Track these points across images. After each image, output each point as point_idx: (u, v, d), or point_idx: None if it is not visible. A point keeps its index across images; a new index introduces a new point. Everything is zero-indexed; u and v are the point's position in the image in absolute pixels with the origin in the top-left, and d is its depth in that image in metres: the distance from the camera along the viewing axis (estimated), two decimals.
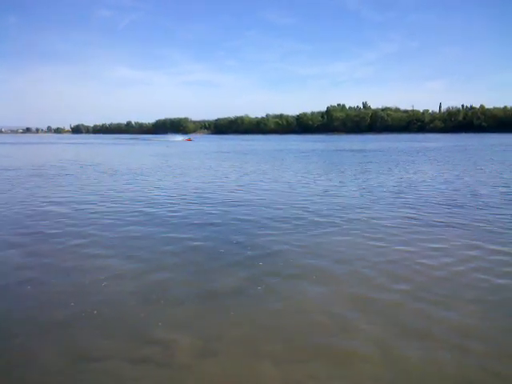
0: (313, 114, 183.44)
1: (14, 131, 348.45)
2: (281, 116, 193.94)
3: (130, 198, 13.35)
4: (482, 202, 12.12)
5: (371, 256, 7.11)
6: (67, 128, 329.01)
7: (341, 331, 4.70)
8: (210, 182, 18.00)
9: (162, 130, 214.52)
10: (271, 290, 5.80)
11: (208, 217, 10.44)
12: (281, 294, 5.69)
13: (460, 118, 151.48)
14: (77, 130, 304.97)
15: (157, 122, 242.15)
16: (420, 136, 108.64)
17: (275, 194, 14.08)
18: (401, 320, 4.93)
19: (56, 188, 15.92)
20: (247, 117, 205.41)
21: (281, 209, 11.36)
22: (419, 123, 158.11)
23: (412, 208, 11.22)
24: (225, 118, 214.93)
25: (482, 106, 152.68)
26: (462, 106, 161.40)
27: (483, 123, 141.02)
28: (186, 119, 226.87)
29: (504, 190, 14.45)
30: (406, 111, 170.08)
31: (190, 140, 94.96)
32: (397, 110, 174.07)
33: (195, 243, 8.06)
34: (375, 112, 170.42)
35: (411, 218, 10.02)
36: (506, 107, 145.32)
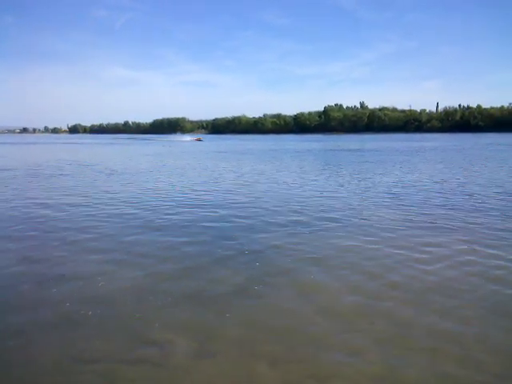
0: (310, 113, 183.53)
1: (11, 131, 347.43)
2: (278, 116, 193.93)
3: (125, 199, 13.32)
4: (477, 202, 12.14)
5: (367, 257, 7.12)
6: (64, 128, 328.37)
7: (338, 331, 4.72)
8: (206, 182, 17.99)
9: (159, 129, 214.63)
10: (268, 291, 5.80)
11: (205, 217, 10.43)
12: (278, 295, 5.69)
13: (457, 117, 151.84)
14: (74, 130, 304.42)
15: (154, 121, 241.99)
16: (417, 136, 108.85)
17: (272, 195, 14.08)
18: (398, 320, 4.94)
19: (51, 188, 15.87)
20: (245, 117, 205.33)
21: (278, 209, 11.36)
22: (416, 123, 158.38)
23: (407, 209, 11.23)
24: (222, 118, 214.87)
25: (478, 106, 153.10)
26: (459, 105, 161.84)
27: (480, 123, 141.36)
28: (183, 119, 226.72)
29: (498, 190, 14.50)
30: (403, 111, 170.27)
31: (200, 140, 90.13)
32: (394, 109, 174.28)
33: (191, 243, 8.05)
34: (372, 112, 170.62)
35: (406, 219, 10.03)
36: (502, 107, 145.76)
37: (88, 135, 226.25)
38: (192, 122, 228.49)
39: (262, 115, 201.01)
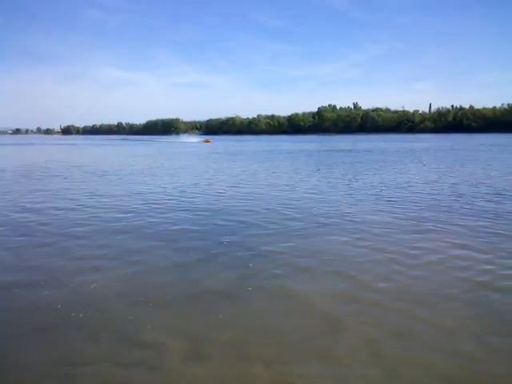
0: (304, 114, 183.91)
1: (3, 132, 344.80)
2: (272, 117, 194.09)
3: (117, 201, 13.30)
4: (466, 203, 12.21)
5: (358, 260, 7.12)
6: (57, 129, 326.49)
7: (331, 331, 4.73)
8: (199, 183, 17.99)
9: (153, 130, 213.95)
10: (261, 292, 5.81)
11: (198, 218, 10.43)
12: (271, 295, 5.70)
13: (450, 118, 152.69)
14: (67, 130, 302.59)
15: (148, 122, 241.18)
16: (410, 136, 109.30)
17: (264, 195, 14.11)
18: (389, 320, 4.98)
19: (43, 190, 15.82)
20: (238, 117, 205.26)
21: (270, 210, 11.39)
22: (409, 123, 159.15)
23: (398, 210, 11.27)
24: (216, 119, 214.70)
25: (471, 107, 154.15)
26: (452, 106, 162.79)
27: (473, 123, 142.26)
28: (177, 120, 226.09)
29: (487, 190, 14.60)
30: (396, 112, 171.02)
31: (209, 142, 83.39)
32: (387, 110, 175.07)
33: (185, 245, 8.04)
34: (366, 112, 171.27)
35: (397, 220, 10.07)
36: (495, 107, 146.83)
37: (81, 136, 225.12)
38: (186, 122, 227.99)
39: (255, 116, 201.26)
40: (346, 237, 8.49)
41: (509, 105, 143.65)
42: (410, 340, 4.51)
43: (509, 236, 8.37)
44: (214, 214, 10.93)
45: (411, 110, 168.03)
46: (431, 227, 9.22)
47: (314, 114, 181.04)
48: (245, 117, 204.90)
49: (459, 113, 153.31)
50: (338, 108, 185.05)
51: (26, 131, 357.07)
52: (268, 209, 11.60)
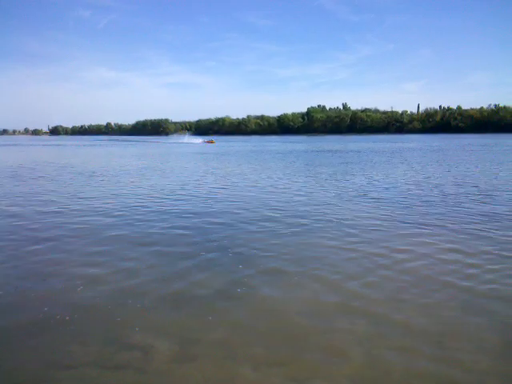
0: (293, 115, 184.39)
1: None
2: (262, 117, 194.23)
3: (105, 202, 13.24)
4: (452, 202, 12.37)
5: (346, 258, 7.20)
6: (45, 129, 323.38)
7: (321, 333, 4.75)
8: (188, 184, 17.95)
9: (142, 131, 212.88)
10: (251, 293, 5.81)
11: (187, 220, 10.40)
12: (260, 297, 5.71)
13: (438, 118, 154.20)
14: (55, 131, 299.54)
15: (137, 123, 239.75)
16: (398, 137, 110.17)
17: (254, 197, 14.12)
18: (378, 319, 5.01)
19: (31, 191, 15.68)
20: (228, 118, 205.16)
21: (260, 211, 11.41)
22: (398, 124, 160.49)
23: (385, 209, 11.40)
24: (206, 120, 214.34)
25: (459, 107, 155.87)
26: (440, 106, 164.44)
27: (460, 124, 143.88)
28: (166, 120, 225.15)
29: (473, 190, 14.80)
30: (385, 112, 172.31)
31: (212, 142, 78.55)
32: (376, 111, 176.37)
33: (173, 247, 8.02)
34: (355, 113, 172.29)
35: (384, 219, 10.19)
36: (482, 108, 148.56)
37: (69, 137, 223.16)
38: (175, 123, 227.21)
39: (245, 116, 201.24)
40: (335, 238, 8.52)
41: (496, 105, 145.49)
42: (401, 341, 4.54)
43: (495, 237, 8.45)
44: (203, 216, 10.91)
45: (400, 111, 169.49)
46: (417, 228, 9.29)
47: (303, 115, 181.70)
48: (234, 117, 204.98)
49: (447, 113, 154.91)
50: (327, 108, 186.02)
51: (14, 132, 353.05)
52: (257, 210, 11.61)
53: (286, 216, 10.72)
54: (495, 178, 18.59)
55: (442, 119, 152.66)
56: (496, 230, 8.99)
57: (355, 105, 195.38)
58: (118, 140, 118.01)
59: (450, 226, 9.43)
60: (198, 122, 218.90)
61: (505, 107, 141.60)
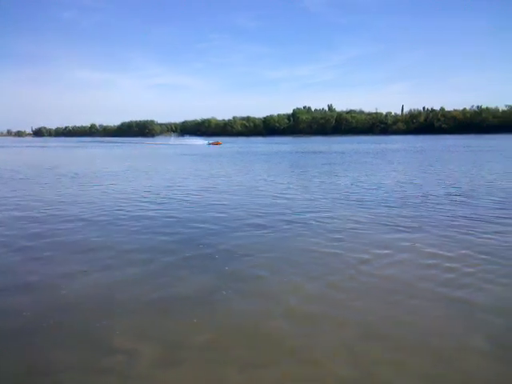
0: (279, 116, 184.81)
1: None
2: (248, 118, 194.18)
3: (90, 204, 13.12)
4: (433, 203, 12.50)
5: (331, 258, 7.26)
6: (28, 131, 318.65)
7: (307, 334, 4.76)
8: (173, 186, 17.84)
9: (127, 132, 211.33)
10: (236, 295, 5.81)
11: (170, 223, 10.32)
12: (246, 299, 5.70)
13: (421, 119, 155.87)
14: (38, 133, 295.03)
15: (122, 124, 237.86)
16: (383, 138, 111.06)
17: (238, 198, 14.12)
18: (365, 321, 5.04)
19: (14, 193, 15.49)
20: (214, 119, 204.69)
21: (244, 212, 11.42)
22: (382, 125, 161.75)
23: (367, 211, 11.49)
24: (192, 121, 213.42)
25: (442, 109, 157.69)
26: (424, 108, 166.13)
27: (443, 125, 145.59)
28: (152, 122, 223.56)
29: (454, 190, 15.04)
30: (369, 114, 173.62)
31: (219, 144, 72.52)
32: (361, 112, 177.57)
33: (157, 249, 7.96)
34: (340, 114, 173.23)
35: (365, 221, 10.29)
36: (465, 109, 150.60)
37: (53, 138, 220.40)
38: (161, 124, 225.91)
39: (231, 118, 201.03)
40: (318, 238, 8.58)
41: (478, 107, 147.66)
42: (387, 342, 4.59)
43: (475, 239, 8.54)
44: (188, 217, 10.86)
45: (384, 112, 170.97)
46: (399, 230, 9.35)
47: (289, 116, 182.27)
48: (220, 118, 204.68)
49: (430, 114, 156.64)
50: (312, 110, 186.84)
51: None
52: (242, 211, 11.62)
53: (270, 218, 10.73)
54: (476, 179, 18.84)
55: (425, 120, 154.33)
56: (476, 231, 9.07)
57: (340, 106, 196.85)
58: (102, 142, 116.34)
59: (431, 228, 9.47)
60: (184, 123, 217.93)
61: (487, 108, 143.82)
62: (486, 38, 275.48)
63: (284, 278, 6.46)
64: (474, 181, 17.92)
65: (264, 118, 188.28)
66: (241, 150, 56.00)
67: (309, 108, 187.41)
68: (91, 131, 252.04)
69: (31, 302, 5.65)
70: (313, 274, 6.55)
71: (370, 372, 4.05)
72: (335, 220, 10.32)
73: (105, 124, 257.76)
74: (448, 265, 6.88)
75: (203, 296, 5.80)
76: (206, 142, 77.46)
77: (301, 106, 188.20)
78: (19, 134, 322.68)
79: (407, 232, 9.10)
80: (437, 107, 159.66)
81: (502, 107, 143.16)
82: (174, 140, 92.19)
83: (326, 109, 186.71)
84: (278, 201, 13.45)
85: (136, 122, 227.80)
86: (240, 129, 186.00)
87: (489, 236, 8.59)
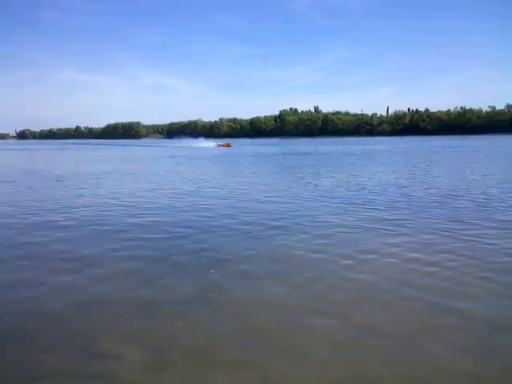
0: (266, 118, 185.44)
1: None
2: (234, 120, 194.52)
3: (75, 206, 12.97)
4: (416, 203, 12.68)
5: (316, 261, 7.29)
6: (12, 133, 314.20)
7: (293, 335, 4.78)
8: (157, 188, 17.75)
9: (113, 134, 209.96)
10: (223, 297, 5.80)
11: (156, 225, 10.26)
12: (232, 301, 5.71)
13: (406, 121, 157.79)
14: (22, 135, 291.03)
15: (107, 126, 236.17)
16: (368, 139, 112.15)
17: (224, 200, 14.10)
18: (348, 321, 5.09)
19: None
20: (201, 121, 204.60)
21: (230, 215, 11.39)
22: (368, 126, 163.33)
23: (351, 211, 11.60)
24: (178, 123, 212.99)
25: (426, 110, 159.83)
26: (408, 109, 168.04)
27: (428, 126, 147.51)
28: (138, 123, 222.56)
29: (437, 191, 15.26)
30: (355, 115, 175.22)
31: (228, 146, 71.87)
32: (347, 113, 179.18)
33: (142, 253, 7.90)
34: (326, 116, 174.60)
35: (350, 221, 10.38)
36: (449, 110, 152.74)
37: (37, 141, 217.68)
38: (147, 126, 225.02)
39: (218, 119, 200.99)
40: (305, 241, 8.62)
41: (462, 108, 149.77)
42: (377, 341, 4.63)
43: (458, 238, 8.66)
44: (173, 221, 10.79)
45: (370, 114, 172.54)
46: (383, 230, 9.45)
47: (275, 118, 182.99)
48: (207, 120, 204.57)
49: (415, 116, 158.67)
50: (299, 111, 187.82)
51: None
52: (228, 214, 11.61)
53: (255, 219, 10.75)
54: (459, 180, 19.08)
55: (410, 121, 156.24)
56: (458, 230, 9.20)
57: (327, 108, 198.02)
58: (89, 143, 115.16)
59: (415, 230, 9.51)
60: (170, 124, 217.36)
61: (471, 109, 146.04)
62: (470, 40, 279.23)
63: (269, 280, 6.47)
64: (456, 182, 18.16)
65: (251, 119, 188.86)
66: (227, 151, 55.89)
67: (295, 110, 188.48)
68: (76, 133, 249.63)
69: (11, 307, 5.58)
70: (297, 278, 6.57)
71: (357, 371, 4.09)
72: (319, 223, 10.33)
73: (90, 126, 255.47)
74: (431, 268, 6.90)
75: (189, 299, 5.79)
76: (215, 143, 77.34)
77: (287, 107, 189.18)
78: (3, 136, 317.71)
79: (391, 235, 9.15)
80: (422, 108, 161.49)
81: (485, 108, 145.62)
82: (187, 142, 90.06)
83: (313, 110, 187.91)
84: (264, 203, 13.45)
85: (122, 123, 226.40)
86: (227, 130, 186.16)
87: (471, 238, 8.66)
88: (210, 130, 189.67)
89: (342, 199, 13.84)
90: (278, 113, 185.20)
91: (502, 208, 11.74)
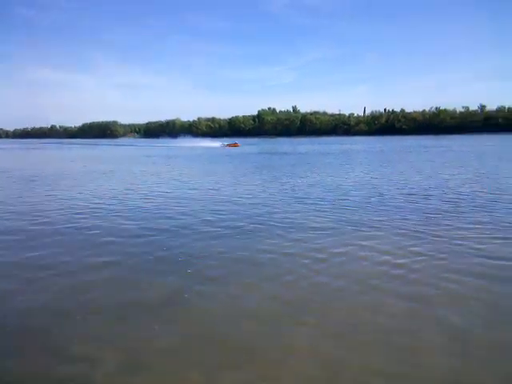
0: (244, 117, 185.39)
1: None
2: (213, 119, 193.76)
3: (50, 207, 12.83)
4: (387, 203, 12.95)
5: (288, 260, 7.43)
6: None
7: (268, 335, 4.84)
8: (134, 189, 17.63)
9: (89, 133, 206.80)
10: (198, 298, 5.84)
11: (129, 227, 10.21)
12: (208, 301, 5.75)
13: (383, 121, 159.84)
14: None
15: (83, 125, 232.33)
16: (346, 138, 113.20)
17: (199, 201, 14.08)
18: (325, 321, 5.19)
19: None
20: (179, 120, 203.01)
21: (207, 216, 11.42)
22: (345, 126, 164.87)
23: (324, 211, 11.76)
24: (155, 122, 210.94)
25: (402, 110, 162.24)
26: (385, 109, 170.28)
27: (404, 126, 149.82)
28: (114, 123, 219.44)
29: (406, 191, 15.58)
30: (332, 115, 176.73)
31: (236, 145, 68.69)
32: (325, 113, 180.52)
33: (116, 253, 7.87)
34: (304, 116, 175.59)
35: (322, 221, 10.54)
36: (424, 111, 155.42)
37: (10, 140, 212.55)
38: (124, 125, 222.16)
39: (196, 119, 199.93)
40: (277, 240, 8.76)
41: (437, 108, 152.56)
42: (350, 340, 4.75)
43: (427, 237, 8.90)
44: (145, 222, 10.75)
45: (347, 114, 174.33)
46: (356, 229, 9.66)
47: (254, 117, 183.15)
48: (185, 119, 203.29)
49: (391, 116, 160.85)
50: (277, 111, 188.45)
51: None
52: (203, 214, 11.64)
53: (230, 220, 10.80)
54: (429, 179, 19.51)
55: (386, 121, 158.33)
56: (428, 231, 9.42)
57: (305, 107, 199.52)
58: (63, 143, 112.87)
59: (386, 228, 9.76)
60: (148, 124, 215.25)
61: (445, 110, 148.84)
62: (446, 41, 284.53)
63: (243, 279, 6.55)
64: (428, 182, 18.49)
65: (229, 119, 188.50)
66: (205, 151, 55.65)
67: (274, 109, 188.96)
68: (51, 132, 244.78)
69: None
70: (271, 276, 6.67)
71: (334, 371, 4.16)
72: (292, 224, 10.43)
73: (65, 125, 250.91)
74: (399, 271, 7.05)
75: (165, 300, 5.81)
76: (221, 143, 73.40)
77: (266, 107, 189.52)
78: None
79: (363, 232, 9.36)
80: (398, 108, 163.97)
81: (459, 109, 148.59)
82: (190, 142, 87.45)
83: (291, 110, 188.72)
84: (239, 203, 13.53)
85: (98, 122, 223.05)
86: (205, 130, 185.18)
87: (438, 234, 8.99)
88: (189, 130, 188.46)
89: (317, 200, 14.00)
90: (256, 112, 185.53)
91: (471, 207, 12.07)
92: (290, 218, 11.01)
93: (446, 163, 28.46)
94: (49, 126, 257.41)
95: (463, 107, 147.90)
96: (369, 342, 4.70)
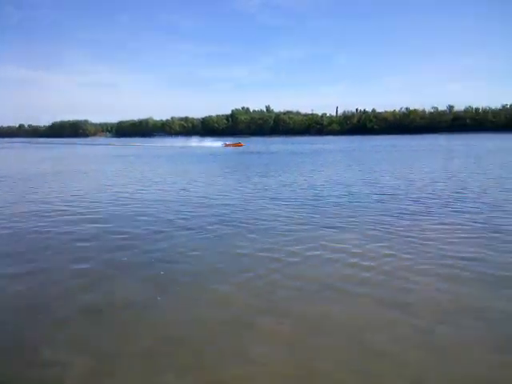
0: (218, 117, 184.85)
1: None
2: (186, 119, 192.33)
3: (15, 209, 12.58)
4: (357, 202, 13.25)
5: (261, 260, 7.53)
6: None
7: (242, 335, 4.90)
8: (102, 189, 17.45)
9: (59, 133, 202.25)
10: (171, 301, 5.86)
11: (101, 228, 10.12)
12: (181, 304, 5.78)
13: (354, 121, 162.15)
14: None
15: (53, 124, 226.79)
16: (318, 138, 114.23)
17: (169, 202, 14.06)
18: (305, 319, 5.28)
19: None
20: (151, 119, 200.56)
21: (181, 216, 11.43)
22: (318, 126, 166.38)
23: (295, 211, 11.95)
24: (128, 121, 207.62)
25: (373, 110, 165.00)
26: (356, 109, 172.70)
27: (375, 126, 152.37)
28: (85, 122, 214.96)
29: (377, 189, 16.00)
30: (306, 115, 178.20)
31: (240, 145, 65.12)
32: (298, 113, 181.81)
33: (91, 257, 7.78)
34: (278, 115, 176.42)
35: (293, 222, 10.67)
36: (395, 111, 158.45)
37: None
38: (95, 124, 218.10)
39: (169, 118, 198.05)
40: (251, 239, 8.87)
41: (407, 109, 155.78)
42: (330, 338, 4.84)
43: (397, 238, 9.12)
44: (117, 223, 10.67)
45: (320, 114, 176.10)
46: (327, 228, 9.85)
47: (227, 117, 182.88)
48: (158, 119, 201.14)
49: (363, 116, 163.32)
50: (251, 111, 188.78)
51: None
52: (175, 215, 11.61)
53: (203, 221, 10.81)
54: (397, 178, 19.98)
55: (358, 121, 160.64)
56: (397, 227, 9.73)
57: (278, 107, 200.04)
58: (31, 143, 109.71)
59: (357, 227, 9.96)
60: (120, 123, 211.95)
61: (415, 110, 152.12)
62: (420, 41, 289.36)
63: (216, 279, 6.61)
64: (397, 180, 18.95)
65: (203, 118, 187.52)
66: (179, 151, 55.31)
67: (247, 109, 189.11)
68: (19, 131, 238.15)
69: None
70: (244, 276, 6.75)
71: (309, 370, 4.25)
72: (266, 222, 10.55)
73: (34, 124, 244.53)
74: (371, 262, 7.33)
75: (138, 303, 5.81)
76: (222, 143, 69.02)
77: (239, 106, 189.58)
78: None
79: (334, 231, 9.55)
80: (370, 108, 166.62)
81: (428, 109, 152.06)
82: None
83: (264, 110, 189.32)
84: (211, 203, 13.56)
85: (68, 121, 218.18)
86: (178, 129, 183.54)
87: (408, 234, 9.23)
88: (162, 129, 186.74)
89: (289, 198, 14.18)
90: (229, 112, 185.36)
91: (439, 205, 12.47)
92: (262, 217, 11.16)
93: (414, 162, 29.19)
94: (17, 125, 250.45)
95: (432, 107, 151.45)
96: (335, 343, 4.82)
